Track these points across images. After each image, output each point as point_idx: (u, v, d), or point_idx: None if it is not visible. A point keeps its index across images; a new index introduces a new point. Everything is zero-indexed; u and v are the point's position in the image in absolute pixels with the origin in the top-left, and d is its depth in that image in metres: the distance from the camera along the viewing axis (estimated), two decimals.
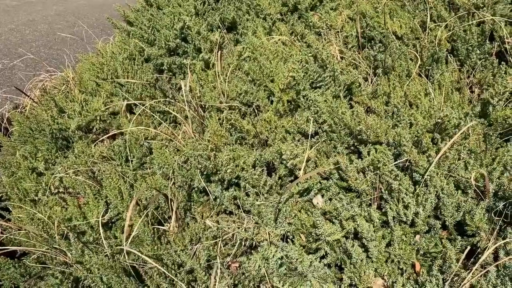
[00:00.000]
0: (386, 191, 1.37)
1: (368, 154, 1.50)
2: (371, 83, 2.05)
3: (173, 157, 1.83)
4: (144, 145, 2.05)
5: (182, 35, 2.72)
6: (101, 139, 2.17)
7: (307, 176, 1.43)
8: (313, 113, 1.66)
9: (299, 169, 1.55)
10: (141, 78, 2.63)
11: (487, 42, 1.92)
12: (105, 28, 6.15)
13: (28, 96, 2.82)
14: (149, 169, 2.04)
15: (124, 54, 2.84)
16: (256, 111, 2.07)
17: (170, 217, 1.62)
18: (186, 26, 2.69)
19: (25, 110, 3.00)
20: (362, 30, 2.27)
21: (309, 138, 1.64)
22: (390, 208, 1.33)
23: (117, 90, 2.62)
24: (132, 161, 2.09)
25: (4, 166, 2.31)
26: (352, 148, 1.66)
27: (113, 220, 1.82)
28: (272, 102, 2.07)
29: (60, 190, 2.10)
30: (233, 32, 2.78)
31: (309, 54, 2.07)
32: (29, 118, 2.67)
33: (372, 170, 1.42)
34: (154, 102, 2.38)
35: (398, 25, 2.19)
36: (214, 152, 1.63)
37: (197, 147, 1.70)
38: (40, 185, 2.10)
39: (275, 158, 1.63)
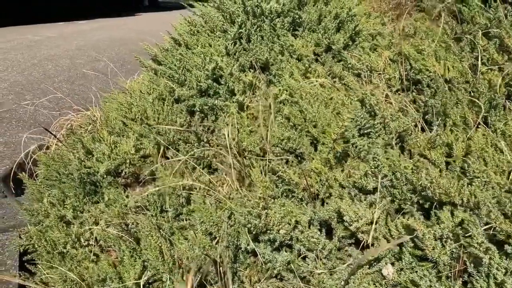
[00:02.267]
0: (472, 264, 1.19)
1: (437, 218, 1.32)
2: (421, 130, 1.90)
3: (216, 212, 1.67)
4: (182, 195, 1.89)
5: (214, 76, 2.61)
6: (142, 191, 2.02)
7: (387, 247, 1.25)
8: (372, 166, 1.50)
9: (362, 232, 1.38)
10: (172, 119, 2.51)
11: None
12: (125, 63, 6.13)
13: (56, 138, 2.70)
14: (186, 220, 1.87)
15: (153, 94, 2.73)
16: (299, 158, 1.92)
17: (216, 282, 1.44)
18: (218, 67, 2.59)
19: (50, 150, 2.88)
20: (406, 72, 2.13)
21: (370, 195, 1.47)
22: (481, 287, 1.14)
23: (147, 132, 2.49)
24: (167, 211, 1.93)
25: (31, 213, 2.16)
26: (415, 205, 1.48)
27: (150, 281, 1.64)
28: (316, 149, 1.92)
29: (91, 243, 1.94)
30: (266, 73, 2.66)
31: (355, 99, 1.92)
32: (55, 160, 2.54)
33: (452, 237, 1.25)
34: (189, 146, 2.24)
35: (445, 68, 2.05)
36: (266, 211, 1.46)
37: (246, 203, 1.53)
38: (70, 237, 1.94)
39: (332, 217, 1.46)
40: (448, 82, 2.03)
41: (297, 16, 2.80)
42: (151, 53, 3.07)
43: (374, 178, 1.49)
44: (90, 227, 1.87)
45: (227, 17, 2.93)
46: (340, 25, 2.78)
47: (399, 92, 2.11)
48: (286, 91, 2.27)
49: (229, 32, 2.82)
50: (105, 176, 2.27)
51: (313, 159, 1.83)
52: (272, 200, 1.62)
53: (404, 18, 2.99)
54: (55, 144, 2.83)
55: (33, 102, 3.83)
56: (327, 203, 1.61)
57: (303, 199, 1.62)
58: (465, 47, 2.14)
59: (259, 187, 1.61)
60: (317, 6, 2.92)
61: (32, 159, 2.74)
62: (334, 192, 1.53)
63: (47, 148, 2.91)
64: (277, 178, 1.67)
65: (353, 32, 2.70)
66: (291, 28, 2.83)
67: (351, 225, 1.36)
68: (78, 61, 5.95)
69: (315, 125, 1.96)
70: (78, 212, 2.16)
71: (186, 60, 2.81)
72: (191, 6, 3.24)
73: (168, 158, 2.33)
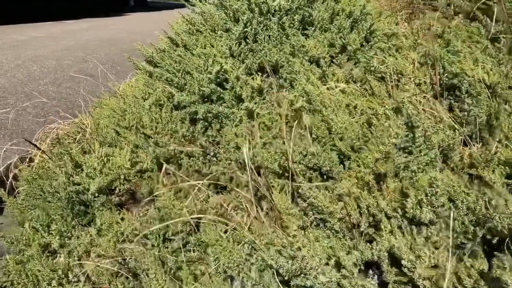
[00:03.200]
0: None
1: None
2: (462, 144, 1.61)
3: (234, 245, 1.35)
4: (189, 222, 1.56)
5: (218, 80, 2.28)
6: (139, 212, 1.68)
7: None
8: (429, 193, 1.20)
9: (423, 278, 1.08)
10: (171, 128, 2.17)
11: None
12: (114, 64, 5.71)
13: (40, 149, 2.33)
14: (194, 252, 1.55)
15: (150, 99, 2.38)
16: (324, 177, 1.61)
17: None
18: (222, 70, 2.26)
19: (33, 163, 2.51)
20: (439, 76, 1.85)
21: (425, 228, 1.17)
22: None
23: (144, 143, 2.14)
24: (171, 240, 1.60)
25: (10, 241, 1.80)
26: (478, 240, 1.19)
27: None
28: (344, 166, 1.61)
29: (80, 279, 1.60)
30: (275, 76, 2.34)
31: (389, 108, 1.63)
32: (39, 175, 2.18)
33: None
34: (193, 160, 1.91)
35: (484, 72, 1.77)
36: (301, 252, 1.15)
37: (273, 240, 1.22)
38: (55, 273, 1.60)
39: (383, 257, 1.16)
40: (488, 88, 1.75)
41: (307, 14, 2.49)
42: (145, 54, 2.72)
43: (430, 207, 1.19)
44: (79, 262, 1.53)
45: (230, 15, 2.60)
46: (353, 24, 2.48)
47: (431, 99, 1.82)
48: (303, 97, 1.95)
49: (233, 31, 2.49)
50: (96, 195, 1.93)
51: (342, 179, 1.53)
52: (302, 231, 1.31)
53: (423, 17, 2.71)
54: (40, 156, 2.46)
55: (16, 106, 3.43)
56: (367, 234, 1.31)
57: (339, 230, 1.32)
58: (503, 48, 1.87)
59: (289, 221, 1.29)
60: (327, 4, 2.62)
61: (13, 174, 2.37)
62: (384, 226, 1.22)
63: (31, 160, 2.53)
64: (307, 205, 1.36)
65: (368, 31, 2.40)
66: (301, 27, 2.52)
67: (412, 271, 1.07)
68: (65, 62, 5.52)
69: (341, 137, 1.66)
70: (66, 239, 1.81)
71: (185, 62, 2.47)
72: (192, 5, 2.89)
73: (168, 174, 2.00)
